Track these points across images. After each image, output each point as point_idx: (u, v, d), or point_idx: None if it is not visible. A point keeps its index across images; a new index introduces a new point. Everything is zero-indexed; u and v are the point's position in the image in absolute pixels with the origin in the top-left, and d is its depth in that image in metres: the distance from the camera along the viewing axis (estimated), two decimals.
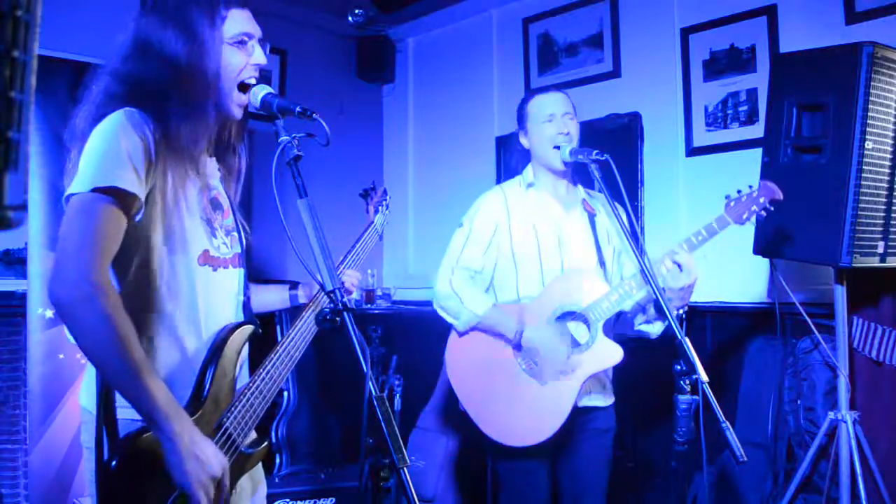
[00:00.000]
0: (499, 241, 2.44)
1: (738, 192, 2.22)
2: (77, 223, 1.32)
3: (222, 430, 1.46)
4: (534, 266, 2.41)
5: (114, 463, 1.31)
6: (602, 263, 2.44)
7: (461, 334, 2.42)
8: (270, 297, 1.84)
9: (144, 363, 1.30)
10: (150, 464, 1.31)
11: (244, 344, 1.56)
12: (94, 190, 1.32)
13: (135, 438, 1.33)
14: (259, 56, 1.53)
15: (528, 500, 2.37)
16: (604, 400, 2.43)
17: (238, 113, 1.55)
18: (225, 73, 1.49)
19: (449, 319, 2.43)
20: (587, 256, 2.43)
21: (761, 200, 2.19)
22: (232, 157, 1.66)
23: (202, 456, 1.31)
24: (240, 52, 1.51)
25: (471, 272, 2.44)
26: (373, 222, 2.10)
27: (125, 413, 1.37)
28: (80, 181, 1.34)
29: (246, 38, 1.51)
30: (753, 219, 2.20)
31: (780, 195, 2.20)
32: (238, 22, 1.51)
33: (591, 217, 2.48)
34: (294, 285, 1.87)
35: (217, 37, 1.47)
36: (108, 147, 1.37)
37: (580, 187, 2.54)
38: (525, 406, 2.31)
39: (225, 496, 1.38)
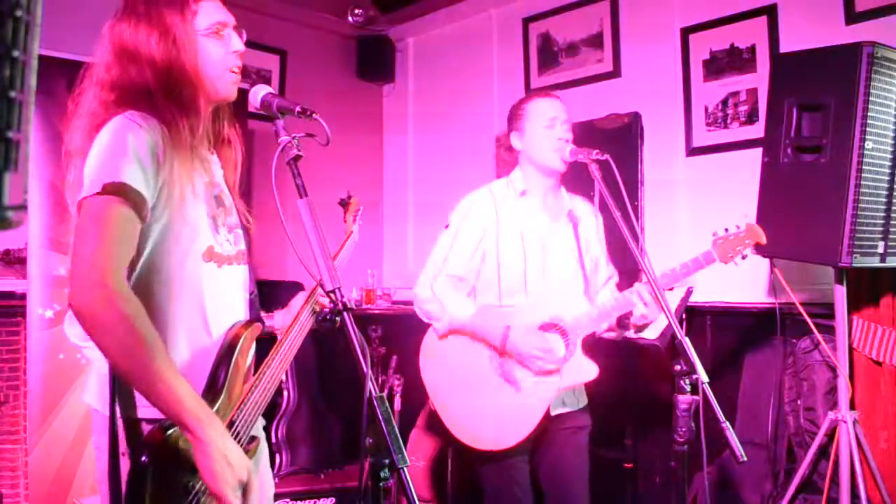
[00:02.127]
0: (485, 248, 2.43)
1: (726, 229, 2.23)
2: (91, 228, 1.31)
3: (233, 427, 1.46)
4: (517, 275, 2.40)
5: (143, 458, 1.30)
6: (584, 275, 2.46)
7: (441, 336, 2.43)
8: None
9: (170, 366, 1.29)
10: (176, 461, 1.32)
11: (254, 341, 1.58)
12: (104, 189, 1.31)
13: (161, 435, 1.33)
14: (237, 43, 1.52)
15: (515, 497, 2.37)
16: (576, 404, 2.45)
17: (233, 92, 1.55)
18: (206, 66, 1.49)
19: (429, 321, 2.44)
20: (570, 269, 2.44)
21: (746, 242, 2.20)
22: (227, 149, 1.66)
23: (232, 459, 1.31)
24: (217, 43, 1.50)
25: (453, 280, 2.43)
26: (352, 232, 2.12)
27: (146, 413, 1.37)
28: (89, 184, 1.34)
29: (220, 28, 1.51)
30: (739, 259, 2.21)
31: (763, 239, 2.22)
32: (209, 13, 1.50)
33: (576, 227, 2.48)
34: (269, 312, 1.85)
35: (190, 31, 1.47)
36: (114, 147, 1.36)
37: (564, 193, 2.53)
38: (496, 412, 2.32)
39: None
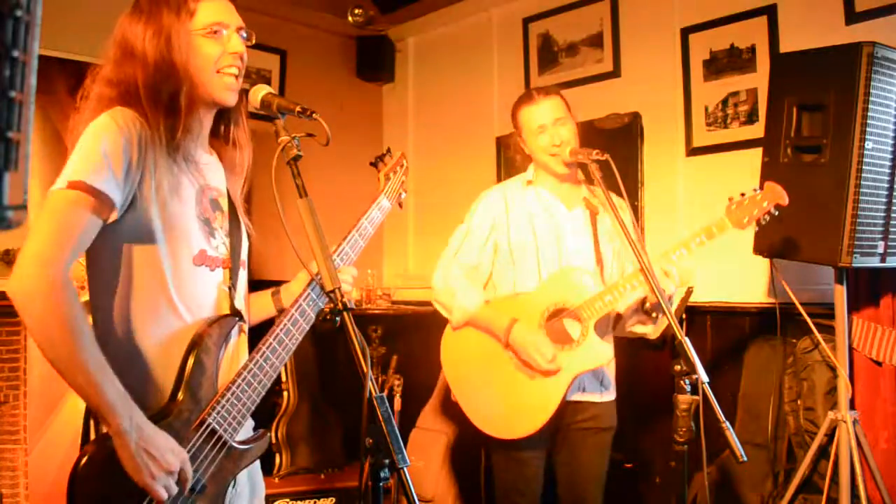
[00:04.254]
0: (497, 237, 2.48)
1: (742, 194, 2.17)
2: (45, 219, 1.34)
3: (204, 426, 1.44)
4: (531, 263, 2.43)
5: (82, 462, 1.31)
6: (600, 263, 2.45)
7: (454, 327, 2.46)
8: (262, 303, 1.78)
9: (95, 359, 1.31)
10: (119, 465, 1.31)
11: (225, 337, 1.53)
12: (69, 186, 1.33)
13: (105, 440, 1.32)
14: (235, 45, 1.51)
15: (519, 491, 2.38)
16: (599, 396, 2.44)
17: (230, 98, 1.53)
18: (199, 65, 1.48)
19: (444, 314, 2.48)
20: (585, 255, 2.44)
21: (765, 204, 2.13)
22: (232, 150, 1.64)
23: (154, 450, 1.31)
24: (214, 43, 1.49)
25: (466, 267, 2.47)
26: (382, 191, 1.89)
27: None
28: (59, 178, 1.36)
29: (219, 28, 1.50)
30: (754, 224, 2.15)
31: (785, 200, 2.12)
32: (209, 12, 1.49)
33: (593, 216, 2.49)
34: (276, 290, 1.79)
35: (183, 29, 1.46)
36: (87, 146, 1.38)
37: (583, 185, 2.54)
38: (513, 399, 2.34)
39: (192, 488, 1.37)
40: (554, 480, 2.48)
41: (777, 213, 2.15)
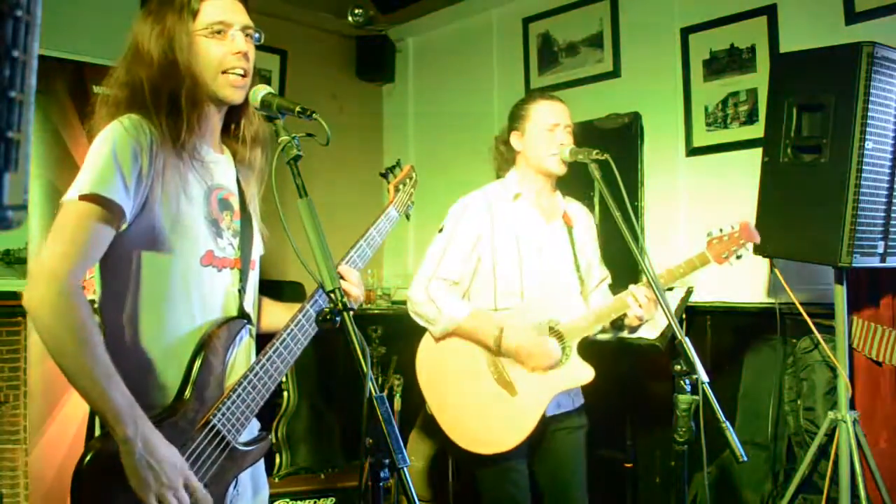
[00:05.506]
0: (480, 252, 2.43)
1: (720, 229, 2.22)
2: (58, 230, 1.36)
3: (209, 426, 1.44)
4: (514, 278, 2.40)
5: (87, 458, 1.32)
6: (581, 278, 2.47)
7: (438, 338, 2.41)
8: (285, 316, 1.75)
9: (103, 368, 1.31)
10: (120, 466, 1.32)
11: (234, 339, 1.54)
12: (81, 197, 1.35)
13: (110, 436, 1.32)
14: (239, 44, 1.51)
15: (509, 500, 2.36)
16: (572, 405, 2.45)
17: (235, 96, 1.53)
18: (203, 64, 1.48)
19: (424, 324, 2.42)
20: (566, 271, 2.45)
21: (741, 242, 2.20)
22: (243, 149, 1.64)
23: (154, 462, 1.31)
24: (218, 42, 1.50)
25: (448, 282, 2.41)
26: (391, 203, 1.96)
27: None
28: (71, 188, 1.37)
29: (222, 28, 1.50)
30: (732, 259, 2.21)
31: (757, 239, 2.22)
32: (212, 12, 1.50)
33: (569, 230, 2.49)
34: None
35: (185, 30, 1.47)
36: (98, 156, 1.39)
37: (559, 195, 2.54)
38: (493, 415, 2.31)
39: (196, 498, 1.37)
40: (537, 495, 2.45)
41: (749, 252, 2.25)
